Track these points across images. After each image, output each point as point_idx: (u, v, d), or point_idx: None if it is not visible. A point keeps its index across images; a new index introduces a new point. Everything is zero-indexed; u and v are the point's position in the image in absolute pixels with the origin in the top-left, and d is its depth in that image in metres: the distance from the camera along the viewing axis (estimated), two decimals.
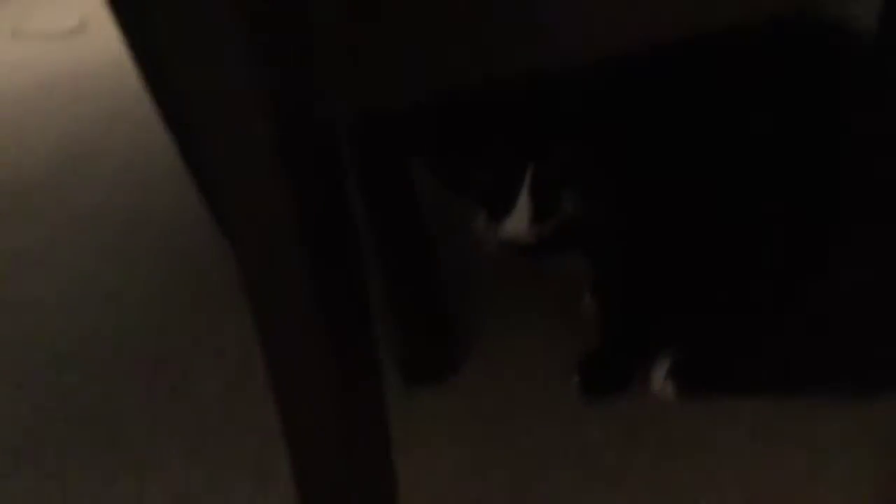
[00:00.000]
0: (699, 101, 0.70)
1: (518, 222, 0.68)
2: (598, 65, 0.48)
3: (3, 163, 1.60)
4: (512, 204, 0.67)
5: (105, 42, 2.15)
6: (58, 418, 0.93)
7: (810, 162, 0.69)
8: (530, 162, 0.67)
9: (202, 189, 1.04)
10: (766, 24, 0.70)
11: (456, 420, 0.83)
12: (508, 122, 0.67)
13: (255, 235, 0.42)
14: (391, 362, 0.88)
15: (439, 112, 0.69)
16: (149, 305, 1.11)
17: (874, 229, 0.70)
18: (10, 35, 2.22)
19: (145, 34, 0.87)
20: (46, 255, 1.26)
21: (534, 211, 0.67)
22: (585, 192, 0.69)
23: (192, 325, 1.04)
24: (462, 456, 0.78)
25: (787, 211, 0.70)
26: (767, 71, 0.69)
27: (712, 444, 0.76)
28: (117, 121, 1.71)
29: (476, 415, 0.83)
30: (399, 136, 0.82)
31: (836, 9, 0.72)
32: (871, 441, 0.73)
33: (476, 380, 0.88)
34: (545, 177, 0.67)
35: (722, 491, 0.71)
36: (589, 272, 0.83)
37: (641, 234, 0.75)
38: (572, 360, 0.86)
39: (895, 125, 0.66)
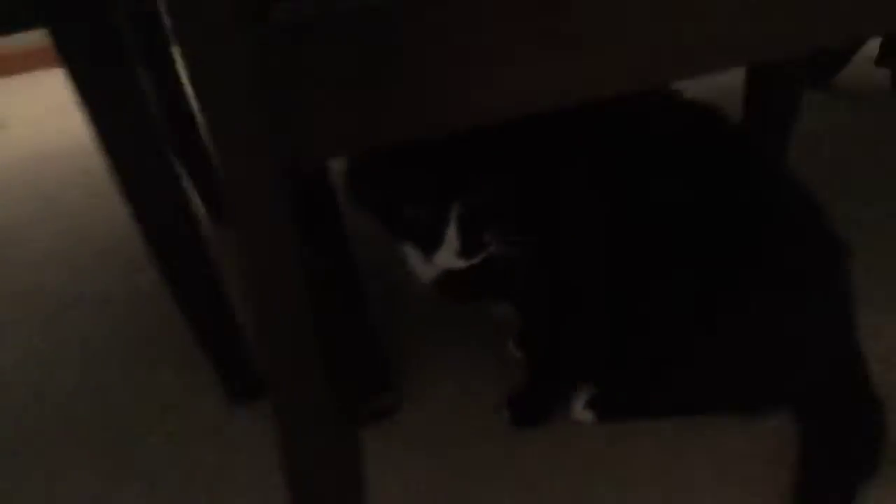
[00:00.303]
0: (605, 162, 0.82)
1: (447, 254, 0.74)
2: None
3: None
4: (440, 238, 0.73)
5: (25, 138, 2.20)
6: None
7: (700, 225, 0.81)
8: (457, 199, 0.73)
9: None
10: (654, 99, 0.86)
11: (400, 448, 0.89)
12: (436, 161, 0.72)
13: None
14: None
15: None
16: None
17: (754, 287, 0.82)
18: None
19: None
20: None
21: (461, 243, 0.73)
22: (507, 233, 0.79)
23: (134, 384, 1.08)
24: (410, 479, 0.85)
25: (681, 269, 0.82)
26: (660, 144, 0.82)
27: (631, 456, 0.84)
28: (41, 209, 1.74)
29: (419, 444, 0.90)
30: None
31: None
32: (766, 451, 0.83)
33: (416, 412, 0.95)
34: (471, 212, 0.73)
35: (642, 495, 0.80)
36: (513, 318, 0.93)
37: (556, 279, 0.85)
38: (503, 391, 0.94)
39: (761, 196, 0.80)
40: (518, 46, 0.50)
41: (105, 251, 1.51)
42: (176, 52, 1.08)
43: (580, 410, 0.91)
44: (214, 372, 1.02)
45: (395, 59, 0.49)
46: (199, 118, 0.65)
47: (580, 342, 0.89)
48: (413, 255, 0.84)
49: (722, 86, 0.91)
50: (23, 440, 1.02)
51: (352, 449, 0.74)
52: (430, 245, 0.74)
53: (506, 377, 0.98)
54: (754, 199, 0.81)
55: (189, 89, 0.62)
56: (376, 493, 0.83)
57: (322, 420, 0.63)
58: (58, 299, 1.35)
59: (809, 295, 0.81)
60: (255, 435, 0.96)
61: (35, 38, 0.97)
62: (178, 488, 0.90)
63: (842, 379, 0.84)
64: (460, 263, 0.75)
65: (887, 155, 0.76)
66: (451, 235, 0.73)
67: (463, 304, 0.95)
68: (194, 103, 0.48)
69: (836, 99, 1.65)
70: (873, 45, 1.75)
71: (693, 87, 0.77)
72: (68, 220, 1.69)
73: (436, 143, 0.67)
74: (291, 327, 0.57)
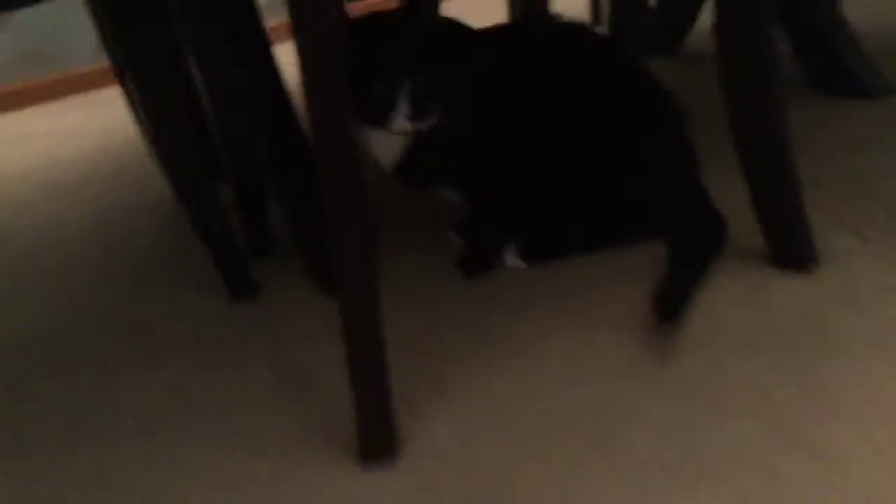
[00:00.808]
0: (515, 60, 1.14)
1: (400, 120, 1.05)
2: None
3: None
4: (395, 106, 1.04)
5: None
6: None
7: (586, 99, 1.14)
8: (406, 77, 1.04)
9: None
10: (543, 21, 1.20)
11: (394, 301, 1.15)
12: (389, 52, 1.05)
13: None
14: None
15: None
16: None
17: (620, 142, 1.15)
18: None
19: None
20: None
21: (410, 110, 1.04)
22: (445, 105, 1.09)
23: None
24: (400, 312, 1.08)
25: (574, 134, 1.14)
26: (552, 46, 1.16)
27: (541, 305, 1.12)
28: None
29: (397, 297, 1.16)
30: None
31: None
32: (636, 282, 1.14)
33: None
34: (417, 87, 1.04)
35: (558, 320, 1.09)
36: (456, 202, 1.22)
37: (485, 151, 1.15)
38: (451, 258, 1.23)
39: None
40: None
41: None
42: None
43: (513, 259, 1.21)
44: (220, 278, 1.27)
45: None
46: None
47: (508, 202, 1.20)
48: (377, 143, 1.13)
49: None
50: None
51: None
52: (386, 113, 1.05)
53: (450, 253, 1.26)
54: (619, 79, 1.15)
55: None
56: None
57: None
58: None
59: (662, 144, 1.15)
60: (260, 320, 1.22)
61: None
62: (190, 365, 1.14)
63: (693, 206, 1.17)
64: (411, 127, 1.06)
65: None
66: (402, 103, 1.04)
67: (418, 191, 1.23)
68: None
69: (682, 65, 2.05)
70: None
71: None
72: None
73: (386, 38, 1.04)
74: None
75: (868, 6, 2.37)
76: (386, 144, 1.13)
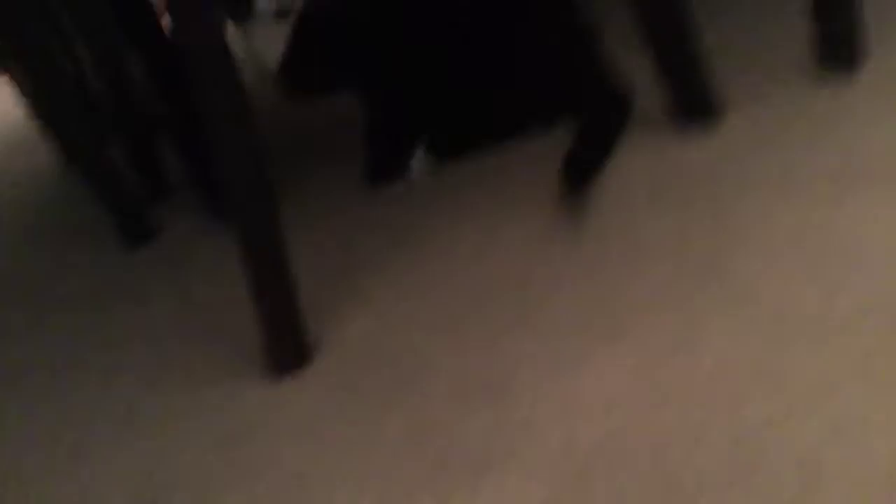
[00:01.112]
0: None
1: None
2: None
3: None
4: None
5: None
6: None
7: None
8: None
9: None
10: None
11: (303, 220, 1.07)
12: None
13: None
14: None
15: None
16: None
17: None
18: None
19: None
20: None
21: None
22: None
23: None
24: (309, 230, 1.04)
25: (472, 26, 1.09)
26: None
27: (456, 201, 1.07)
28: None
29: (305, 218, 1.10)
30: None
31: None
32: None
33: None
34: None
35: (468, 210, 1.05)
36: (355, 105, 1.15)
37: (395, 61, 1.09)
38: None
39: None
40: None
41: None
42: None
43: (421, 158, 1.16)
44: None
45: None
46: None
47: (412, 100, 1.14)
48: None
49: None
50: None
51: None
52: None
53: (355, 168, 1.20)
54: None
55: None
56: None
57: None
58: None
59: (560, 29, 1.11)
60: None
61: None
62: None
63: (599, 82, 1.13)
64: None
65: None
66: None
67: (311, 97, 1.16)
68: None
69: None
70: None
71: None
72: None
73: None
74: None
75: None
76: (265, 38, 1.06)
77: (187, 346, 0.92)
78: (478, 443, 0.66)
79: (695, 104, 1.03)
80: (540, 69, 1.11)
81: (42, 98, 1.18)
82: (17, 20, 1.10)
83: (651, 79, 1.04)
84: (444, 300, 0.85)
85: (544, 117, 1.15)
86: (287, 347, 0.82)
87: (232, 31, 1.04)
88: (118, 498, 0.73)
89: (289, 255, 0.81)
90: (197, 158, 1.21)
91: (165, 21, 1.09)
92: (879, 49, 1.00)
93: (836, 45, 1.02)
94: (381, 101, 1.15)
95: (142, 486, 0.73)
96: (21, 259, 1.28)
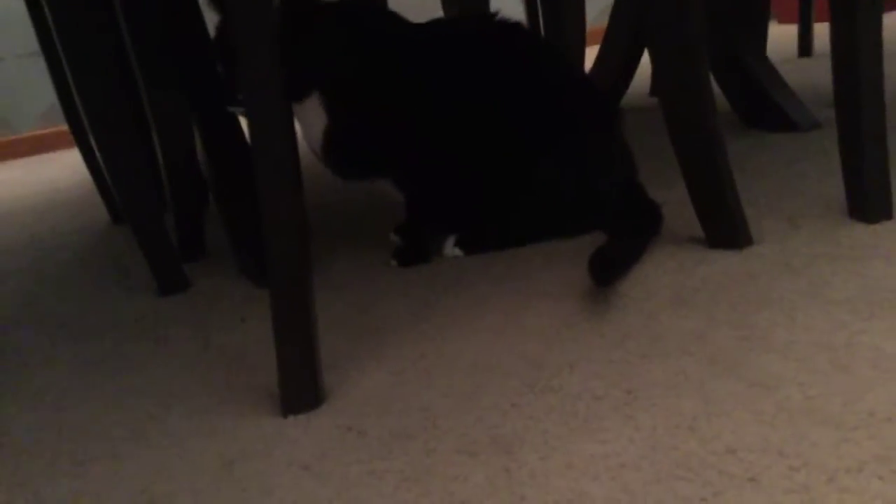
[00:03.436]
0: (458, 58, 1.17)
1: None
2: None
3: None
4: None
5: None
6: None
7: (517, 96, 1.16)
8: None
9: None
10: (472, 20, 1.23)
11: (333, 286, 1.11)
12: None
13: None
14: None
15: None
16: None
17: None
18: None
19: None
20: None
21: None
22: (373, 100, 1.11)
23: None
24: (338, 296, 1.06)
25: (507, 131, 1.16)
26: (489, 46, 1.19)
27: (478, 282, 1.10)
28: None
29: (333, 284, 1.13)
30: None
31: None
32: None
33: (327, 272, 1.19)
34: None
35: (494, 292, 1.08)
36: (394, 196, 1.21)
37: (422, 143, 1.16)
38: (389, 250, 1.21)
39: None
40: None
41: None
42: None
43: (451, 249, 1.19)
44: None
45: None
46: None
47: (445, 196, 1.20)
48: (304, 124, 1.13)
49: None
50: None
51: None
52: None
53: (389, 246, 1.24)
54: (550, 76, 1.18)
55: None
56: None
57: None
58: None
59: (596, 140, 1.17)
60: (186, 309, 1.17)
61: None
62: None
63: (630, 198, 1.18)
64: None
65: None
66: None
67: (351, 179, 1.22)
68: None
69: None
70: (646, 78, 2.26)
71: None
72: None
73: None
74: None
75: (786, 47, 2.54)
76: (313, 128, 1.13)
77: (200, 380, 0.92)
78: (481, 488, 0.64)
79: (724, 230, 1.06)
80: (574, 177, 1.16)
81: (115, 165, 1.25)
82: (106, 96, 1.19)
83: (680, 203, 1.09)
84: (461, 367, 0.85)
85: (576, 223, 1.19)
86: (301, 389, 0.82)
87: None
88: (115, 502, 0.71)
89: (315, 310, 0.82)
90: (240, 224, 1.26)
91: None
92: None
93: (867, 195, 1.06)
94: (415, 194, 1.20)
95: (139, 496, 0.71)
96: (56, 296, 1.31)
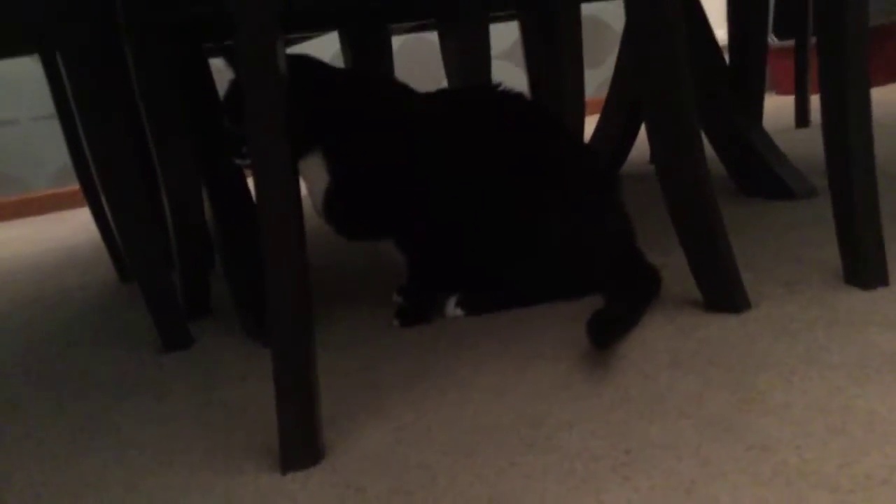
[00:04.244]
0: (459, 126, 1.21)
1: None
2: None
3: None
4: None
5: None
6: None
7: (518, 166, 1.20)
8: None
9: None
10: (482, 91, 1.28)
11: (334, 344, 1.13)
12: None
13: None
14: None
15: None
16: None
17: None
18: None
19: None
20: None
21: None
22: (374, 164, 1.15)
23: None
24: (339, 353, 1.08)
25: (508, 194, 1.19)
26: (489, 115, 1.23)
27: (479, 343, 1.11)
28: None
29: (335, 342, 1.14)
30: None
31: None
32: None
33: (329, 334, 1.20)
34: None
35: (494, 353, 1.09)
36: (396, 257, 1.23)
37: (421, 206, 1.19)
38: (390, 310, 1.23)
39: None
40: None
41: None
42: None
43: (452, 309, 1.21)
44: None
45: None
46: None
47: (446, 258, 1.22)
48: (307, 186, 1.16)
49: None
50: None
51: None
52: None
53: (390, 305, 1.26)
54: (550, 144, 1.21)
55: None
56: None
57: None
58: None
59: (595, 205, 1.20)
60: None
61: None
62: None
63: (628, 262, 1.20)
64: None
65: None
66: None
67: (353, 239, 1.24)
68: None
69: None
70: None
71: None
72: None
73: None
74: None
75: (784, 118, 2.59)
76: (316, 186, 1.16)
77: (199, 436, 0.92)
78: None
79: (721, 294, 1.08)
80: (574, 241, 1.18)
81: (124, 224, 1.27)
82: (116, 156, 1.23)
83: (678, 268, 1.10)
84: (460, 426, 0.86)
85: (575, 286, 1.20)
86: (300, 446, 0.82)
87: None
88: None
89: (316, 368, 0.84)
90: (244, 284, 1.29)
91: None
92: None
93: (863, 261, 1.08)
94: (417, 255, 1.22)
95: None
96: (60, 351, 1.33)
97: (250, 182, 0.85)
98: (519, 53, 2.06)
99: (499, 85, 1.27)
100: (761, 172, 1.74)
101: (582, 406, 0.86)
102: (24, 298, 1.79)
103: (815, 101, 2.54)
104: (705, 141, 1.15)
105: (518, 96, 1.26)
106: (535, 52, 1.98)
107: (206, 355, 1.20)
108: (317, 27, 1.89)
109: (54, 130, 1.93)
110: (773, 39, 3.64)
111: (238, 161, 1.17)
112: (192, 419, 0.97)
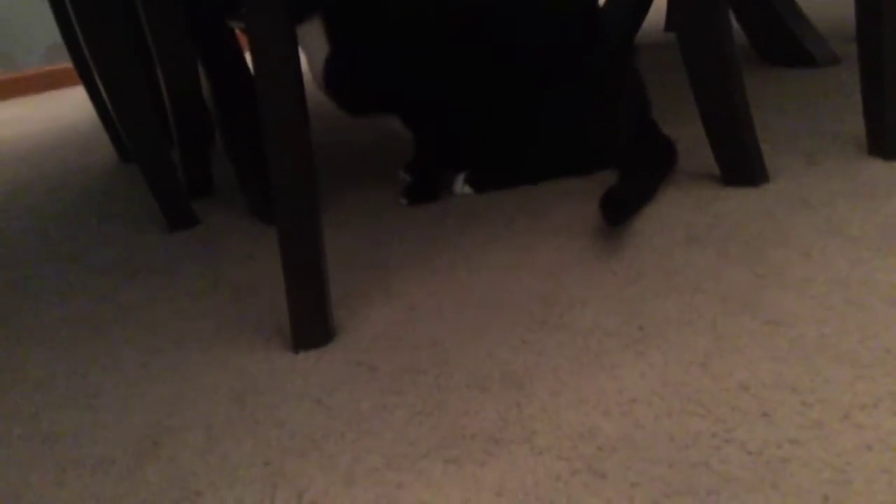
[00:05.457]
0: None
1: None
2: None
3: None
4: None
5: None
6: None
7: (533, 41, 1.13)
8: None
9: None
10: None
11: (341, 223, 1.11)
12: None
13: None
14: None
15: None
16: None
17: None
18: None
19: None
20: None
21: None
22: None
23: None
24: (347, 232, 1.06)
25: (518, 67, 1.13)
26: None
27: (488, 220, 1.09)
28: None
29: (342, 221, 1.12)
30: None
31: None
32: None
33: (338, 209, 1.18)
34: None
35: (504, 230, 1.07)
36: (401, 132, 1.19)
37: (430, 80, 1.13)
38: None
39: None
40: None
41: None
42: None
43: (460, 187, 1.18)
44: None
45: None
46: None
47: (454, 134, 1.18)
48: (307, 56, 1.10)
49: None
50: None
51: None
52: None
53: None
54: (563, 13, 1.14)
55: None
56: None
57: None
58: None
59: (610, 76, 1.14)
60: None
61: None
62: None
63: (643, 134, 1.16)
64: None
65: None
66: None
67: (355, 114, 1.19)
68: None
69: None
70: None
71: None
72: None
73: None
74: None
75: None
76: (315, 55, 1.10)
77: (210, 315, 0.92)
78: (492, 422, 0.64)
79: (740, 167, 1.04)
80: (586, 114, 1.13)
81: (121, 104, 1.22)
82: (108, 33, 1.16)
83: (695, 140, 1.06)
84: (471, 303, 0.85)
85: (587, 161, 1.17)
86: (311, 325, 0.82)
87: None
88: (125, 434, 0.71)
89: (324, 246, 0.82)
90: (247, 162, 1.25)
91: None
92: None
93: (886, 132, 1.03)
94: (423, 131, 1.18)
95: (152, 428, 0.72)
96: (67, 232, 1.32)
97: (248, 55, 0.81)
98: None
99: None
100: (782, 38, 1.66)
101: (595, 283, 0.85)
102: (27, 180, 1.77)
103: None
104: None
105: None
106: None
107: (211, 235, 1.19)
108: None
109: (43, 6, 1.83)
110: None
111: (233, 23, 1.11)
112: (201, 299, 0.97)
